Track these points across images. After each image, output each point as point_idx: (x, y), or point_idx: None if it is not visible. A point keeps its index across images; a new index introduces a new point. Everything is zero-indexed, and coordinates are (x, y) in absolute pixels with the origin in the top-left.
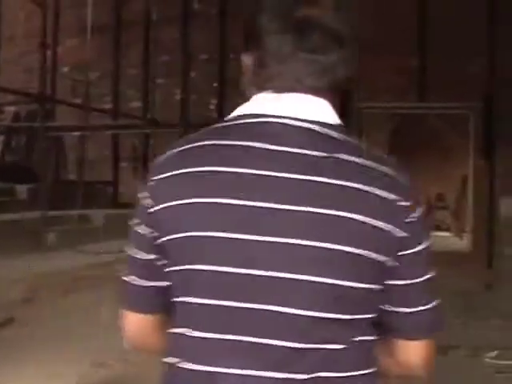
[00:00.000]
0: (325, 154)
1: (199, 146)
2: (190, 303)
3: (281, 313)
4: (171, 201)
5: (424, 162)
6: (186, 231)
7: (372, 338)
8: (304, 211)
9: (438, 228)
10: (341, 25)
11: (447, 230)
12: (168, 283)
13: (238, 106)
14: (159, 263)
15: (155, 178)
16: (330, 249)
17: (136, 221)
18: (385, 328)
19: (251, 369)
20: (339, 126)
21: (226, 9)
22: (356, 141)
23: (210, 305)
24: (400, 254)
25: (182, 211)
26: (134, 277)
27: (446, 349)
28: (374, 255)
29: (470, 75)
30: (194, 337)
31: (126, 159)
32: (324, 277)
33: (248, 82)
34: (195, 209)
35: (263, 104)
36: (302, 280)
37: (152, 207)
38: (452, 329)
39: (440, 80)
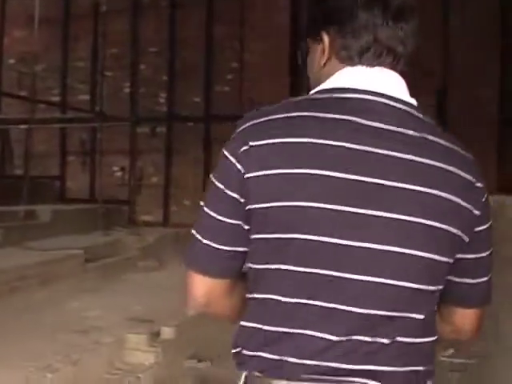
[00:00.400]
0: (417, 134)
1: (296, 116)
2: (281, 270)
3: (373, 282)
4: (268, 169)
5: None
6: (284, 200)
7: (436, 306)
8: (402, 188)
9: None
10: None
11: None
12: (246, 249)
13: (189, 99)
14: (243, 229)
15: (249, 143)
16: (422, 223)
17: (220, 184)
18: (445, 297)
19: (338, 334)
20: (418, 106)
21: (176, 1)
22: (433, 121)
23: (302, 272)
24: (475, 230)
25: (280, 181)
26: (209, 240)
27: None
28: (455, 230)
29: (423, 71)
30: (284, 302)
31: (73, 153)
32: (414, 249)
33: (329, 59)
34: (294, 179)
35: (357, 79)
36: (394, 252)
37: (244, 173)
38: None
39: None
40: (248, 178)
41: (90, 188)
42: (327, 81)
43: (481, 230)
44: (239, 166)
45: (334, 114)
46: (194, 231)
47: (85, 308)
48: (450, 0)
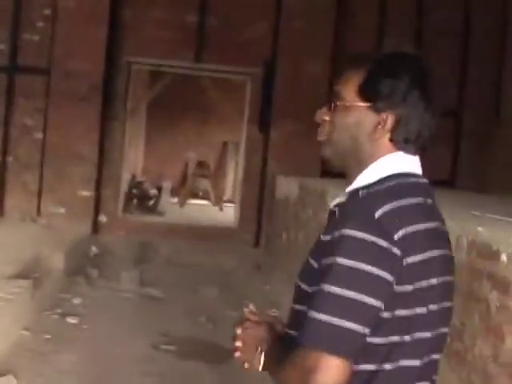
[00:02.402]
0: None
1: (414, 203)
2: (419, 338)
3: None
4: (423, 252)
5: (191, 126)
6: (425, 279)
7: None
8: (450, 256)
9: (197, 196)
10: None
11: (206, 198)
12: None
13: None
14: (380, 309)
15: (402, 229)
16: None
17: (373, 267)
18: None
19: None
20: None
21: None
22: None
23: (432, 333)
24: None
25: (427, 263)
26: (357, 324)
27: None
28: None
29: (251, 40)
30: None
31: None
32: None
33: (382, 136)
34: (433, 260)
35: (412, 164)
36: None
37: (403, 258)
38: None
39: (220, 42)
40: (407, 263)
41: None
42: (388, 163)
43: None
44: (396, 251)
45: (428, 198)
46: (327, 315)
47: None
48: None
